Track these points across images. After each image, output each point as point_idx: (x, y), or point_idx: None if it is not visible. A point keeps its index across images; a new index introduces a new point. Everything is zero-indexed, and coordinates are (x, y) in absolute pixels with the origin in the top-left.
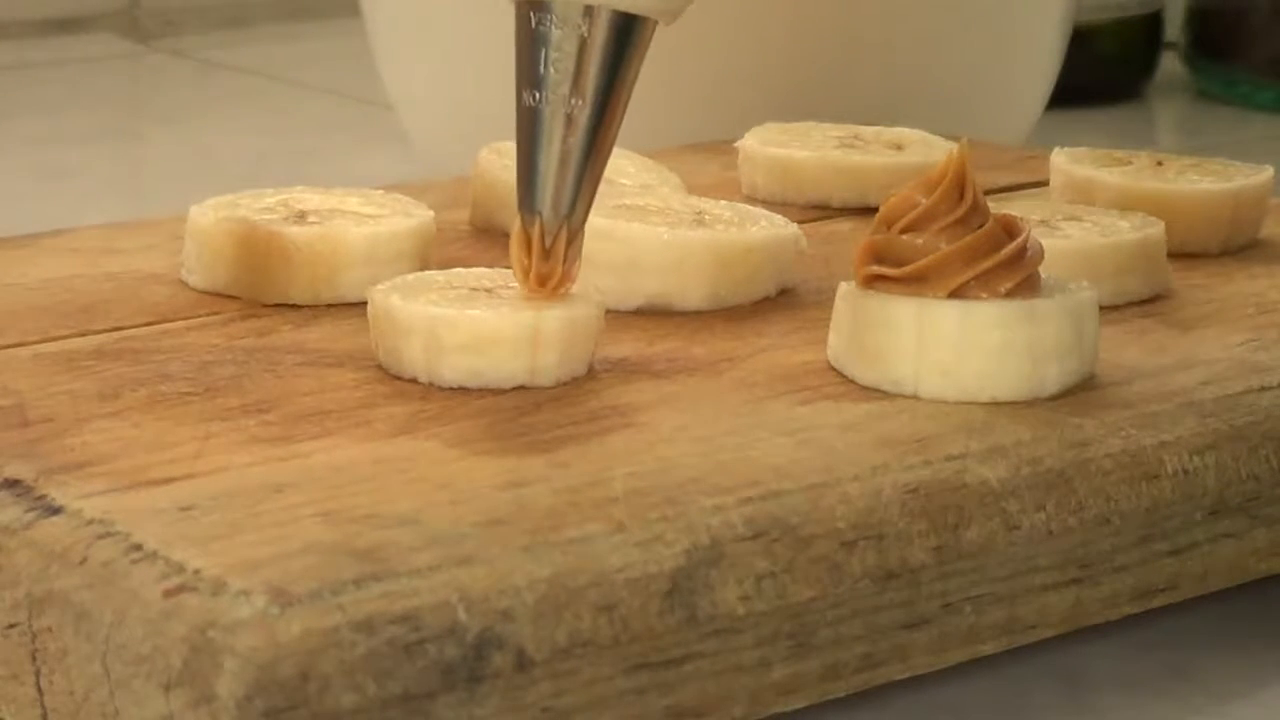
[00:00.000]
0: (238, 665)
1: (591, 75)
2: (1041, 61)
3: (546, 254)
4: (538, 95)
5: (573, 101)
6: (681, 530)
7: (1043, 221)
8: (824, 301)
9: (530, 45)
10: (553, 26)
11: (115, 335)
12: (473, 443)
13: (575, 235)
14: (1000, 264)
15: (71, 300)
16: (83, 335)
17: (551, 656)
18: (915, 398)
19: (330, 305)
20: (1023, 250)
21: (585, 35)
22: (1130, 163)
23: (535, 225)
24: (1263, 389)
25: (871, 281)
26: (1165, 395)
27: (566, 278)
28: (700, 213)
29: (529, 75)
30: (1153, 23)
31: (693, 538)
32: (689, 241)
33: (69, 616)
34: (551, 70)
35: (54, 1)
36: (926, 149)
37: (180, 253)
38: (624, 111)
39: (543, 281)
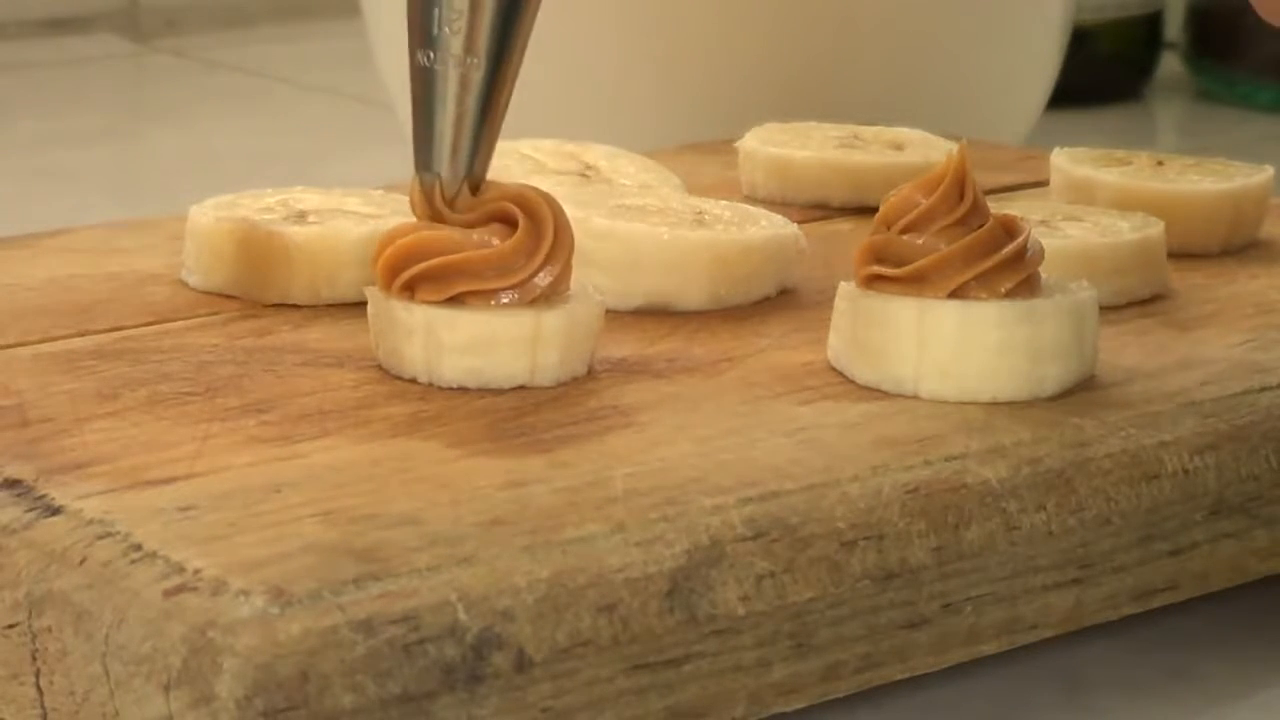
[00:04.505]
0: (237, 665)
1: (485, 33)
2: (1041, 61)
3: (446, 210)
4: (431, 55)
5: (468, 60)
6: (681, 530)
7: (1043, 221)
8: (824, 301)
9: (422, 5)
10: None
11: (115, 335)
12: (473, 443)
13: (476, 189)
14: (1000, 264)
15: (71, 300)
16: (83, 335)
17: (551, 656)
18: (915, 398)
19: (330, 305)
20: (1023, 250)
21: None
22: (1130, 163)
23: (435, 185)
24: (1263, 389)
25: (871, 281)
26: (1165, 395)
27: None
28: (700, 213)
29: (422, 35)
30: (1153, 23)
31: (693, 538)
32: (689, 241)
33: (69, 616)
34: (445, 30)
35: (54, 1)
36: (926, 149)
37: (180, 253)
38: (519, 67)
39: None
